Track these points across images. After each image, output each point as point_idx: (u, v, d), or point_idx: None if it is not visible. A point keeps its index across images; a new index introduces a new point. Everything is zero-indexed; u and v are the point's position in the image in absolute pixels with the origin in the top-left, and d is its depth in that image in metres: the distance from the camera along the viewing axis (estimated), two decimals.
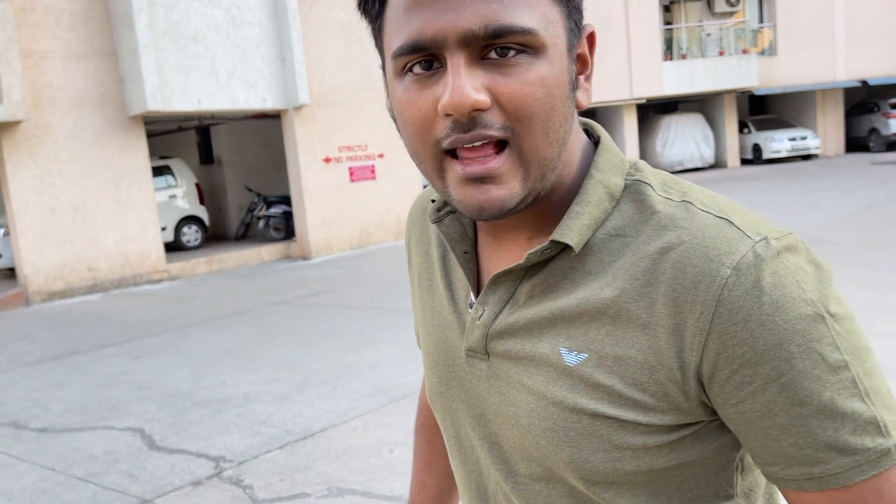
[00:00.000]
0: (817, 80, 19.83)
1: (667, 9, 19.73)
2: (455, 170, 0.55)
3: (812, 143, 19.16)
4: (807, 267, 0.53)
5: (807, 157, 19.55)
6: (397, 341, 5.34)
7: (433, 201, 0.69)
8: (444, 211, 0.67)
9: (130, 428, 4.12)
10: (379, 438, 3.59)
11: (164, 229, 11.33)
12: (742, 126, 20.32)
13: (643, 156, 19.72)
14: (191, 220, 12.25)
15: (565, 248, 0.58)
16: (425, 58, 0.54)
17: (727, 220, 0.54)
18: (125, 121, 9.76)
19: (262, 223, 12.36)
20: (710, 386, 0.53)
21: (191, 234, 12.22)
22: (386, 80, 0.60)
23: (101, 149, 9.58)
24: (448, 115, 0.53)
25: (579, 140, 0.62)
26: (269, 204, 12.34)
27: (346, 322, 6.26)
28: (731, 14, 19.75)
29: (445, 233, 0.66)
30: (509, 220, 0.61)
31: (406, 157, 10.96)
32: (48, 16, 9.09)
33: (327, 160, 11.30)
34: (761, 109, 22.25)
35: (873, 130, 19.80)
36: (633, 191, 0.59)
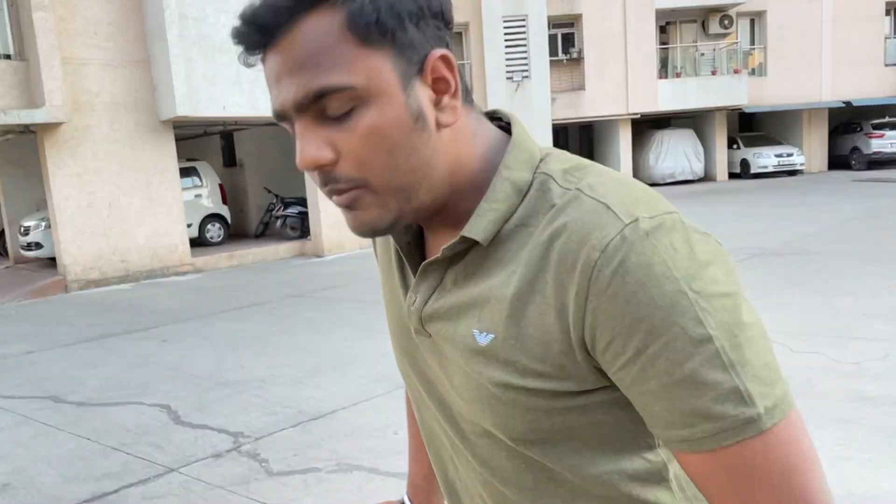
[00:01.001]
0: (804, 101, 19.76)
1: (663, 29, 19.72)
2: (333, 200, 0.61)
3: (797, 159, 19.10)
4: (679, 245, 0.53)
5: (792, 173, 19.47)
6: None
7: None
8: None
9: (158, 404, 4.20)
10: (385, 421, 3.63)
11: (189, 226, 11.41)
12: (731, 142, 20.25)
13: (637, 168, 19.71)
14: (214, 217, 12.34)
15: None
16: (288, 124, 0.58)
17: (605, 204, 0.55)
18: (156, 125, 9.88)
19: (279, 222, 12.42)
20: (595, 355, 0.56)
21: (214, 231, 12.32)
22: None
23: (135, 150, 9.70)
24: None
25: (486, 141, 0.64)
26: (286, 205, 12.41)
27: (356, 314, 6.29)
28: (724, 36, 19.72)
29: None
30: (432, 217, 0.64)
31: None
32: (87, 26, 9.22)
33: None
34: (750, 127, 22.19)
35: (855, 149, 19.69)
36: (540, 182, 0.61)
